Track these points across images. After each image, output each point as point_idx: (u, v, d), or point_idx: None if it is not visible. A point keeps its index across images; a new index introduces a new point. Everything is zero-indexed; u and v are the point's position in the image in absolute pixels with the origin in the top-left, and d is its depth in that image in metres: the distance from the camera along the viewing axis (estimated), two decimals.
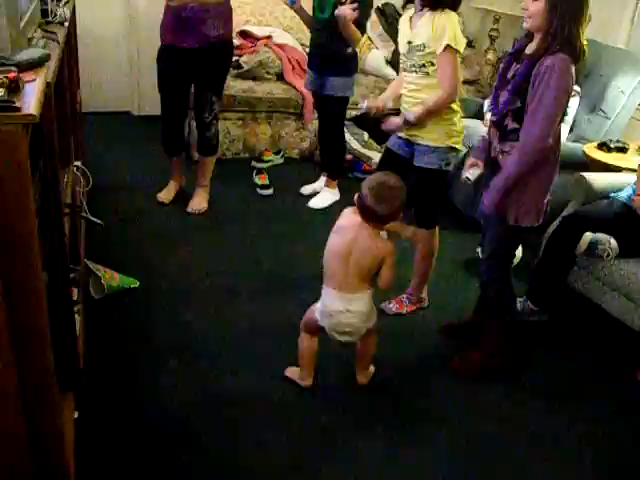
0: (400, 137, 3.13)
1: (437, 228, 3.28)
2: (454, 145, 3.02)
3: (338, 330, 2.61)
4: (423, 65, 2.89)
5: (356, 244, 2.50)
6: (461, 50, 2.83)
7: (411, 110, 2.98)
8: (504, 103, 2.58)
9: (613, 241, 3.08)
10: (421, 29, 2.85)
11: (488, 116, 4.49)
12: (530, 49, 2.54)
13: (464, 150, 4.24)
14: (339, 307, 2.55)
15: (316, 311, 2.64)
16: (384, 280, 2.56)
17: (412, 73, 2.96)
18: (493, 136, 2.72)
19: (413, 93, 3.00)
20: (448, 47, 2.78)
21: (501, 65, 2.72)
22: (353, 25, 3.82)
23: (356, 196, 2.52)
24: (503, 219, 2.67)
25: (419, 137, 3.02)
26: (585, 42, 2.44)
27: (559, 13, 2.38)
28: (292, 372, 2.81)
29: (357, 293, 2.56)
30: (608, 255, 3.07)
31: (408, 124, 2.98)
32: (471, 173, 2.85)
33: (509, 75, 2.61)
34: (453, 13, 2.82)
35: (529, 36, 2.57)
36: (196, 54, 3.80)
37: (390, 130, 3.11)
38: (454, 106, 2.97)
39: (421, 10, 2.86)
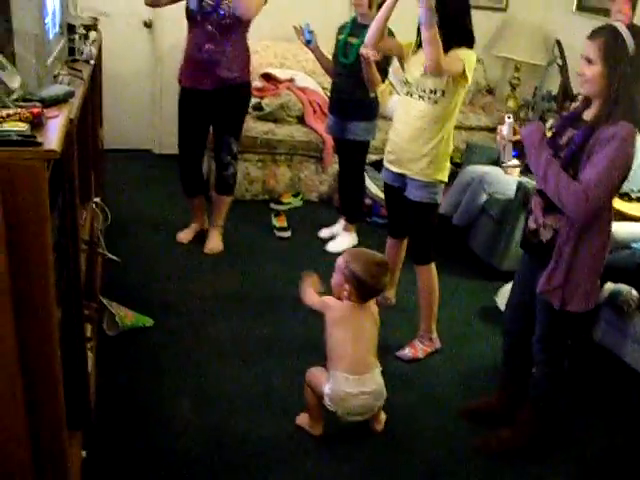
0: (391, 171, 3.22)
1: (433, 264, 3.28)
2: (443, 179, 3.14)
3: (351, 413, 2.59)
4: (434, 91, 2.97)
5: (360, 325, 2.58)
6: (469, 80, 2.95)
7: (407, 146, 3.07)
8: None
9: (635, 292, 3.03)
10: None
11: (510, 163, 4.51)
12: (588, 115, 2.33)
13: (485, 196, 4.27)
14: (352, 390, 2.53)
15: (325, 397, 2.57)
16: None
17: (420, 100, 3.01)
18: (535, 205, 2.49)
19: (413, 120, 3.04)
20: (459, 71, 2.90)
21: (552, 130, 2.50)
22: (375, 68, 3.85)
23: (342, 282, 2.57)
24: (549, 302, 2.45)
25: (412, 172, 3.10)
26: None
27: (619, 77, 2.18)
28: (302, 420, 2.76)
29: (369, 373, 2.58)
30: (630, 306, 3.02)
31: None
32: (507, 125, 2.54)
33: (562, 141, 2.38)
34: (471, 52, 2.96)
35: (586, 100, 2.37)
36: (213, 96, 3.83)
37: None
38: (449, 141, 3.08)
39: None
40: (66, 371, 1.96)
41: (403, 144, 3.12)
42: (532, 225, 2.51)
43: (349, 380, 2.52)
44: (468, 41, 3.00)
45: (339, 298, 2.61)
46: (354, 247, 4.40)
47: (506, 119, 2.53)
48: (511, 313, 2.82)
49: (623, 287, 3.05)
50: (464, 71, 2.92)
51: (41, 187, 1.44)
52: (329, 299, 2.63)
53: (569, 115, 2.49)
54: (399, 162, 3.16)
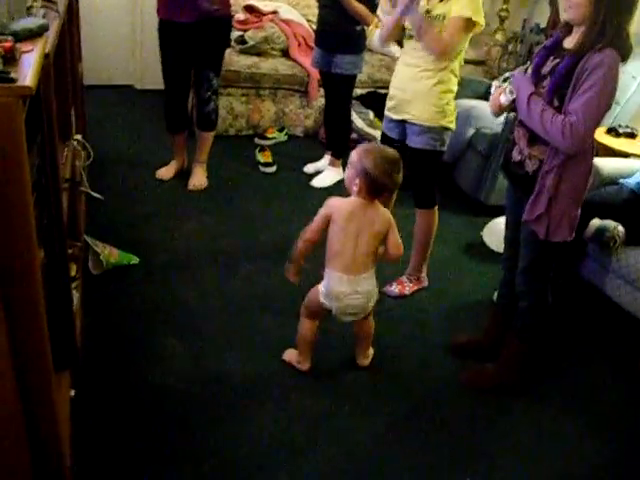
0: (391, 120, 3.13)
1: (436, 207, 3.26)
2: (448, 125, 3.02)
3: (345, 312, 2.58)
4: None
5: (365, 223, 2.49)
6: (482, 22, 2.83)
7: (409, 85, 2.98)
8: None
9: (621, 228, 3.03)
10: (442, 2, 2.83)
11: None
12: (570, 43, 2.27)
13: (472, 130, 4.22)
14: (347, 289, 2.52)
15: (320, 295, 2.59)
16: (394, 246, 2.54)
17: (420, 41, 2.90)
18: (519, 137, 2.45)
19: (415, 60, 2.96)
20: (466, 19, 2.78)
21: (534, 60, 2.41)
22: (356, 2, 3.76)
23: (354, 176, 2.48)
24: (534, 232, 2.45)
25: (411, 116, 3.01)
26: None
27: (607, 2, 2.10)
28: (290, 356, 2.78)
29: (364, 273, 2.54)
30: (615, 242, 3.02)
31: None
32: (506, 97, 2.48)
33: (544, 71, 2.33)
34: None
35: (567, 27, 2.30)
36: (193, 29, 3.72)
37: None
38: (451, 85, 2.96)
39: None
40: (51, 311, 1.95)
41: (404, 85, 3.03)
42: (517, 157, 2.48)
43: (343, 280, 2.51)
44: None
45: (348, 195, 2.57)
46: (340, 181, 4.39)
47: (505, 88, 2.44)
48: (507, 250, 2.81)
49: (609, 223, 3.04)
50: (473, 22, 2.82)
51: (17, 125, 1.38)
52: (331, 200, 2.56)
53: (549, 44, 2.40)
54: (400, 107, 3.07)
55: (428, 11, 2.86)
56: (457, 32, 2.82)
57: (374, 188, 2.48)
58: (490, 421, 2.63)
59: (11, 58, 1.45)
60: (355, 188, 2.49)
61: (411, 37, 2.97)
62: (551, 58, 2.33)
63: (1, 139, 1.38)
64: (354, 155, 2.51)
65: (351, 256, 2.51)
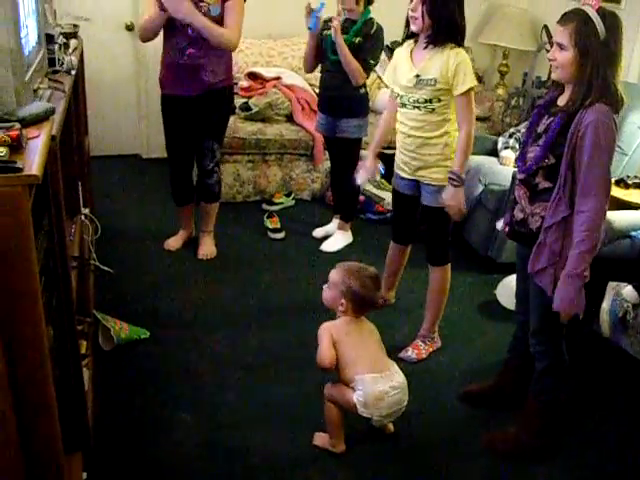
0: (403, 178, 3.16)
1: (449, 264, 3.24)
2: None
3: (388, 414, 2.55)
4: (429, 100, 2.90)
5: (364, 333, 2.63)
6: (477, 83, 2.92)
7: (418, 153, 3.00)
8: (534, 159, 2.38)
9: (628, 294, 2.99)
10: (431, 64, 2.87)
11: (504, 154, 4.46)
12: (563, 100, 2.34)
13: (480, 187, 4.21)
14: (384, 387, 2.50)
15: (358, 407, 2.51)
16: None
17: (414, 109, 2.95)
18: (520, 196, 2.50)
19: (415, 132, 2.98)
20: (469, 89, 2.84)
21: (529, 120, 2.52)
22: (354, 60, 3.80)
23: (338, 297, 2.58)
24: (542, 291, 2.41)
25: (425, 178, 3.05)
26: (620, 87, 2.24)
27: (592, 60, 2.18)
28: (322, 440, 2.67)
29: (392, 366, 2.60)
30: (630, 315, 2.98)
31: (461, 182, 2.93)
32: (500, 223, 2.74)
33: (540, 129, 2.41)
34: (463, 51, 2.88)
35: (560, 86, 2.38)
36: (198, 102, 3.74)
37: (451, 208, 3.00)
38: (455, 140, 2.98)
39: (426, 47, 2.89)
40: (62, 391, 1.91)
41: (412, 153, 3.04)
42: (519, 215, 2.52)
43: (378, 378, 2.50)
44: (459, 38, 2.90)
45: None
46: (349, 245, 4.38)
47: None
48: (519, 305, 2.81)
49: (614, 301, 3.02)
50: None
51: (23, 213, 1.38)
52: (324, 325, 2.61)
53: (543, 103, 2.48)
54: (411, 170, 3.09)
55: (418, 75, 2.89)
56: (471, 105, 2.89)
57: (362, 306, 2.60)
58: None
59: (18, 146, 1.45)
60: (342, 308, 2.59)
61: (404, 105, 2.99)
62: (546, 117, 2.40)
63: (8, 228, 1.37)
64: (335, 277, 2.61)
65: (373, 355, 2.58)
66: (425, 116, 2.93)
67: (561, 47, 2.24)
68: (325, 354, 2.53)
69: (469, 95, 2.87)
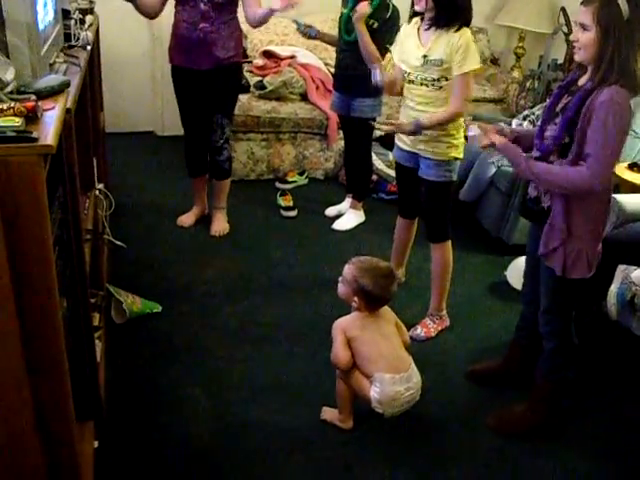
0: (403, 150, 3.19)
1: (449, 241, 3.26)
2: (458, 156, 3.09)
3: (400, 410, 2.57)
4: (437, 79, 2.93)
5: (382, 325, 2.61)
6: (480, 66, 2.92)
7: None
8: (552, 139, 2.36)
9: (637, 274, 2.99)
10: (437, 45, 2.89)
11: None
12: (583, 81, 2.31)
13: (493, 169, 4.21)
14: (401, 388, 2.52)
15: (372, 402, 2.53)
16: (406, 333, 2.75)
17: (422, 86, 2.98)
18: None
19: (422, 107, 3.01)
20: (468, 72, 2.86)
21: (549, 99, 2.50)
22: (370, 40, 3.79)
23: (351, 294, 2.58)
24: (552, 270, 2.42)
25: (423, 151, 3.07)
26: None
27: (613, 41, 2.14)
28: (330, 415, 2.70)
29: (410, 367, 2.59)
30: (634, 296, 2.98)
31: (418, 128, 2.94)
32: (474, 130, 2.57)
33: (558, 108, 2.38)
34: (468, 32, 2.88)
35: (582, 67, 2.34)
36: (208, 76, 3.76)
37: (401, 131, 3.09)
38: (458, 120, 3.01)
39: (428, 28, 2.91)
40: (75, 361, 1.95)
41: None
42: (533, 193, 2.51)
43: (396, 379, 2.51)
44: (464, 19, 2.90)
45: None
46: (361, 224, 4.40)
47: (469, 132, 2.56)
48: (527, 285, 2.82)
49: (622, 286, 3.02)
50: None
51: (38, 183, 1.41)
52: (337, 323, 2.62)
53: (564, 83, 2.45)
54: (411, 141, 3.11)
55: (425, 56, 2.91)
56: (467, 87, 2.91)
57: (375, 303, 2.59)
58: (517, 465, 2.58)
59: (33, 117, 1.48)
60: (355, 305, 2.60)
61: (412, 82, 3.01)
62: (565, 96, 2.38)
63: (23, 197, 1.40)
64: (349, 273, 2.60)
65: (392, 353, 2.57)
66: (433, 93, 2.96)
67: (584, 27, 2.20)
68: (340, 355, 2.54)
69: (466, 78, 2.87)
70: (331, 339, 2.61)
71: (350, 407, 2.66)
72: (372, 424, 2.70)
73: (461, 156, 3.10)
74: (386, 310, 2.67)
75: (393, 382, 2.50)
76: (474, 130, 2.53)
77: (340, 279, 2.65)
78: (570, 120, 2.27)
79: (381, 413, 2.55)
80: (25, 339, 1.59)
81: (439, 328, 3.34)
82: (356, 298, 2.57)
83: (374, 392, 2.52)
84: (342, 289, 2.64)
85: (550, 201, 2.40)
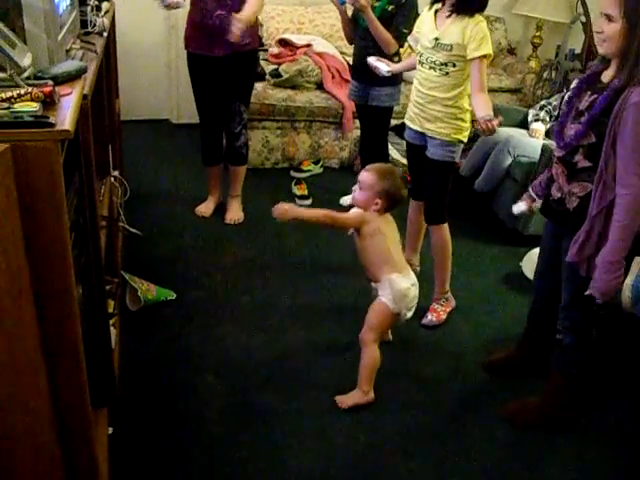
0: (411, 129, 3.24)
1: (446, 223, 3.28)
2: (462, 139, 3.14)
3: (410, 307, 2.75)
4: (445, 64, 2.96)
5: (393, 230, 2.79)
6: (491, 52, 2.93)
7: (427, 107, 3.08)
8: (574, 136, 2.28)
9: None
10: (450, 30, 2.91)
11: (534, 126, 4.42)
12: (607, 76, 2.23)
13: (509, 159, 4.19)
14: (408, 284, 2.71)
15: (389, 305, 2.69)
16: None
17: (430, 70, 3.01)
18: (558, 174, 2.42)
19: (428, 90, 3.05)
20: (484, 56, 2.87)
21: (568, 94, 2.41)
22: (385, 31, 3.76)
23: (372, 197, 2.69)
24: (575, 269, 2.37)
25: (432, 131, 3.12)
26: None
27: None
28: (352, 399, 2.72)
29: (408, 267, 2.80)
30: None
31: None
32: (518, 206, 2.77)
33: (581, 106, 2.30)
34: (483, 20, 2.90)
35: (604, 60, 2.27)
36: (224, 63, 3.76)
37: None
38: (465, 105, 3.05)
39: (449, 15, 2.93)
40: (90, 348, 1.96)
41: (422, 107, 3.11)
42: (556, 194, 2.45)
43: (402, 277, 2.70)
44: (481, 8, 2.92)
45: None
46: None
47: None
48: (539, 281, 2.80)
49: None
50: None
51: (55, 168, 1.40)
52: (365, 214, 2.72)
53: (586, 77, 2.36)
54: (419, 122, 3.16)
55: (437, 38, 2.94)
56: (484, 71, 2.91)
57: (395, 203, 2.75)
58: (532, 457, 2.57)
59: (50, 102, 1.47)
60: (376, 207, 2.70)
61: (422, 64, 3.05)
62: (589, 93, 2.29)
63: (40, 182, 1.40)
64: (369, 178, 2.73)
65: (398, 254, 2.77)
66: (439, 78, 2.99)
67: (609, 18, 2.12)
68: (340, 219, 2.74)
69: (483, 62, 2.88)
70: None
71: (373, 376, 2.72)
72: (386, 415, 2.70)
73: (465, 140, 3.16)
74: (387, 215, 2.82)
75: (401, 280, 2.69)
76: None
77: (354, 187, 2.77)
78: (596, 119, 2.20)
79: (398, 313, 2.71)
80: (42, 324, 1.59)
81: (447, 310, 3.37)
82: (378, 200, 2.68)
83: (386, 295, 2.69)
84: (360, 195, 2.74)
85: (576, 203, 2.34)
